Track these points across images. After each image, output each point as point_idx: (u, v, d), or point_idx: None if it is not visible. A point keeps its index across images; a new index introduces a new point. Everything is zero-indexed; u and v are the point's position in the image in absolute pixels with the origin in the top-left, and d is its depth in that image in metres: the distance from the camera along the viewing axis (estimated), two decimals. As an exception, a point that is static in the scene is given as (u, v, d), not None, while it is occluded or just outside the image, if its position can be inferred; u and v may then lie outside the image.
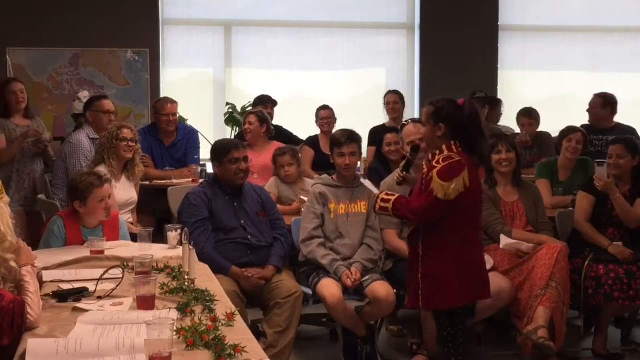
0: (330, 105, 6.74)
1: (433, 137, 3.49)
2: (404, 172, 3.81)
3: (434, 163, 3.43)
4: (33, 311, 2.51)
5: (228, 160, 4.28)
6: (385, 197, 3.62)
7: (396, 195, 3.62)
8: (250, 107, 6.98)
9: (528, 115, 6.50)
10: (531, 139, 6.42)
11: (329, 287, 4.09)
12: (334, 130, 5.93)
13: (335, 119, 6.62)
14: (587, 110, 6.32)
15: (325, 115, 6.58)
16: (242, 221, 4.28)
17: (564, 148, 5.39)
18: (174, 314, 2.58)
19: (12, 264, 2.63)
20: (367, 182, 4.04)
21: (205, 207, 4.22)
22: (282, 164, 5.22)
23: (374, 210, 3.79)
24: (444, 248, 3.48)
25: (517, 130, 6.64)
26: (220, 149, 4.36)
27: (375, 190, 3.83)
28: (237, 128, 7.25)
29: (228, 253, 4.16)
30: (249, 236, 4.25)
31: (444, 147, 3.45)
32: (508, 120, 7.65)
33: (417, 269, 3.53)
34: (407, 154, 3.86)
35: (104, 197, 3.92)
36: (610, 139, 4.98)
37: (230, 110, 7.43)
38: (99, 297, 2.84)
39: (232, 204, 4.31)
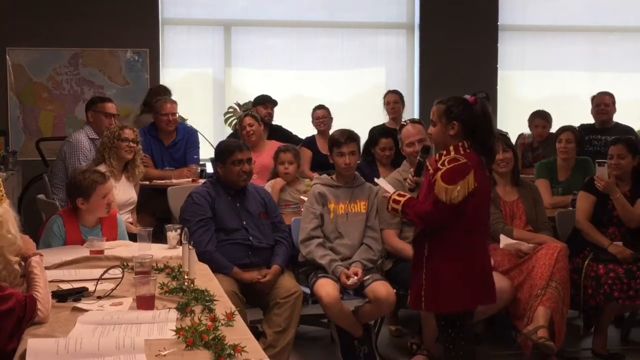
0: (330, 105, 6.73)
1: (444, 136, 3.40)
2: (416, 177, 3.76)
3: (439, 165, 3.36)
4: (43, 307, 2.53)
5: (231, 162, 4.28)
6: (398, 198, 3.52)
7: (407, 197, 3.52)
8: (250, 108, 6.98)
9: (544, 118, 6.48)
10: (540, 141, 6.41)
11: (325, 287, 4.08)
12: (331, 131, 5.94)
13: (331, 118, 6.61)
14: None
15: (321, 115, 6.57)
16: (245, 222, 4.28)
17: (557, 149, 5.41)
18: (174, 314, 2.58)
19: (16, 267, 2.64)
20: (382, 182, 3.83)
21: (209, 206, 4.22)
22: (284, 160, 5.21)
23: (387, 210, 3.68)
24: (449, 251, 3.41)
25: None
26: (224, 150, 4.36)
27: (390, 190, 3.64)
28: (237, 129, 7.24)
29: (229, 254, 4.15)
30: (250, 237, 4.25)
31: (451, 147, 3.38)
32: (507, 120, 7.68)
33: (422, 271, 3.48)
34: (419, 157, 3.78)
35: (107, 194, 3.96)
36: (610, 140, 4.97)
37: (231, 111, 7.41)
38: (99, 297, 2.84)
39: (235, 205, 4.31)
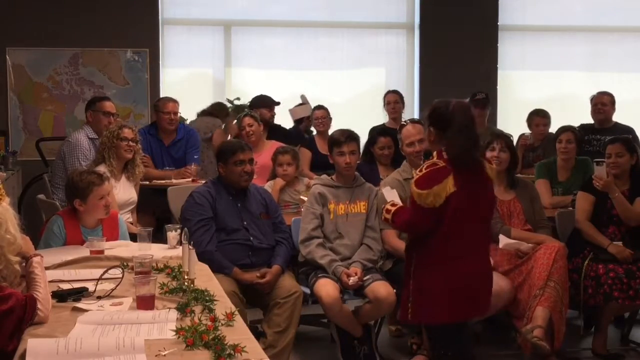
0: (330, 105, 6.73)
1: (429, 142, 3.44)
2: None
3: (417, 172, 3.38)
4: (44, 307, 2.53)
5: (233, 162, 4.28)
6: (390, 207, 3.51)
7: (398, 206, 3.52)
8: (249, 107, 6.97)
9: (544, 117, 6.47)
10: (541, 140, 6.41)
11: (325, 287, 4.09)
12: (330, 131, 5.93)
13: (330, 118, 6.60)
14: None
15: (320, 115, 6.57)
16: (245, 222, 4.28)
17: (557, 150, 5.41)
18: (174, 314, 2.58)
19: (17, 267, 2.64)
20: (386, 191, 3.77)
21: (210, 206, 4.22)
22: (282, 162, 5.21)
23: (381, 220, 3.69)
24: (431, 260, 3.38)
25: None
26: (226, 150, 4.36)
27: (389, 200, 3.61)
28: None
29: (230, 254, 4.16)
30: (251, 238, 4.25)
31: (435, 153, 3.39)
32: (507, 121, 7.67)
33: (409, 281, 3.46)
34: (422, 162, 3.77)
35: (104, 195, 3.94)
36: (608, 139, 4.98)
37: (231, 106, 7.41)
38: (99, 297, 2.84)
39: (236, 205, 4.31)
